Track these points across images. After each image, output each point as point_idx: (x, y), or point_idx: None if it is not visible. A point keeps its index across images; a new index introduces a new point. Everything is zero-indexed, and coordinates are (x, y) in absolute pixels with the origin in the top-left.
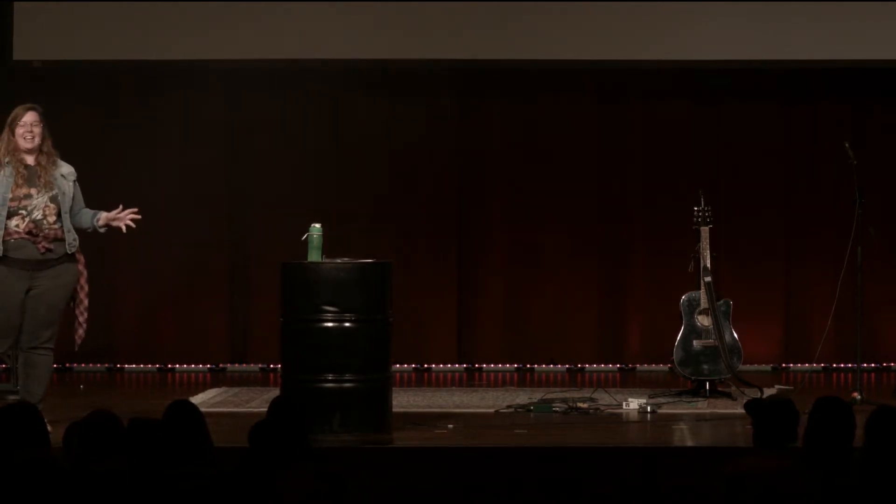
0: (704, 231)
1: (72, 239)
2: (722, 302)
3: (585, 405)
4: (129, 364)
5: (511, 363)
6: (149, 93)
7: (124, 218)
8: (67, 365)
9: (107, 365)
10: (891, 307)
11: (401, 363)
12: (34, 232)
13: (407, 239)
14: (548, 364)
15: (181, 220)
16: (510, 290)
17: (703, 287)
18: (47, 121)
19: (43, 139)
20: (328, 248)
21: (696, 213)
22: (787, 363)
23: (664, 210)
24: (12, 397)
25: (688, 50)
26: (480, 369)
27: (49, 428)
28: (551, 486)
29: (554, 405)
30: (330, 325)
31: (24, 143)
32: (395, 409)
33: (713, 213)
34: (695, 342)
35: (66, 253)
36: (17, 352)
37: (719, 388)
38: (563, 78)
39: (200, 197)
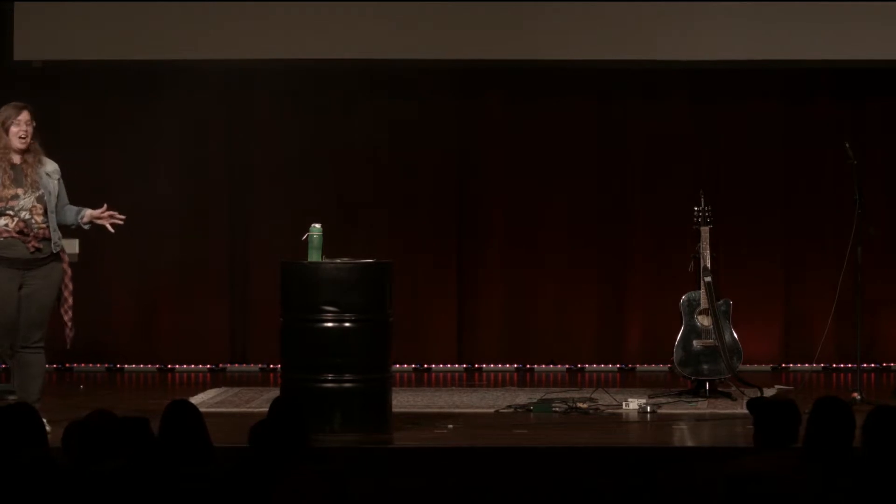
0: (704, 231)
1: (57, 238)
2: (722, 302)
3: (585, 405)
4: (129, 364)
5: (511, 363)
6: (149, 93)
7: (108, 218)
8: (67, 365)
9: (107, 365)
10: (891, 307)
11: (401, 363)
12: (25, 231)
13: (407, 239)
14: (548, 364)
15: (181, 220)
16: (510, 290)
17: (703, 287)
18: (47, 121)
19: (32, 138)
20: (328, 248)
21: (696, 213)
22: (787, 363)
23: (664, 210)
24: (12, 397)
25: (688, 50)
26: (480, 369)
27: (48, 428)
28: (551, 486)
29: (554, 405)
30: (330, 325)
31: (17, 143)
32: (395, 409)
33: (713, 213)
34: (695, 342)
35: (52, 252)
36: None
37: (719, 389)
38: (562, 78)
39: (200, 197)
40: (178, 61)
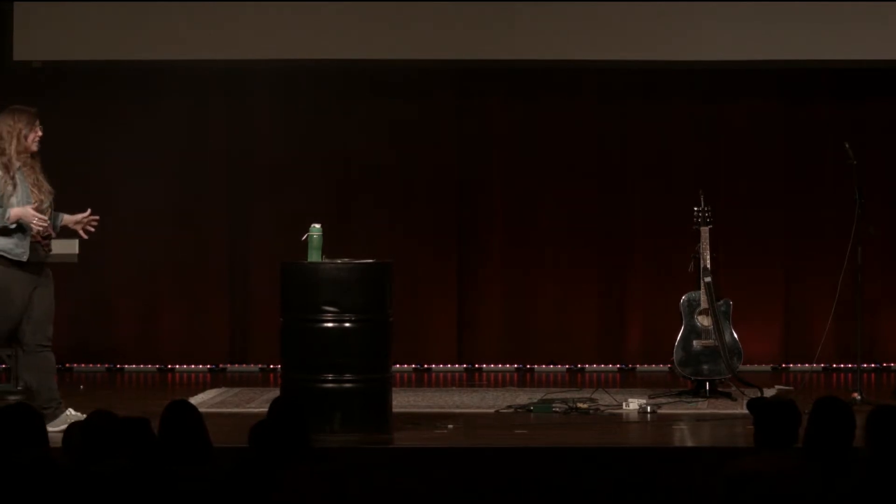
0: (704, 231)
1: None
2: (722, 302)
3: (585, 405)
4: (129, 364)
5: (511, 363)
6: (149, 93)
7: (84, 223)
8: (67, 365)
9: (107, 365)
10: (891, 307)
11: (401, 363)
12: (46, 235)
13: (407, 239)
14: (548, 364)
15: (181, 220)
16: (510, 290)
17: (703, 287)
18: (47, 121)
19: None
20: (328, 248)
21: (696, 213)
22: (787, 363)
23: (664, 210)
24: (12, 397)
25: (688, 50)
26: (480, 369)
27: (82, 416)
28: (551, 486)
29: (554, 405)
30: (330, 325)
31: (33, 148)
32: (395, 409)
33: (713, 213)
34: (695, 342)
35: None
36: (15, 353)
37: (719, 389)
38: (562, 78)
39: (200, 197)
40: (178, 61)
